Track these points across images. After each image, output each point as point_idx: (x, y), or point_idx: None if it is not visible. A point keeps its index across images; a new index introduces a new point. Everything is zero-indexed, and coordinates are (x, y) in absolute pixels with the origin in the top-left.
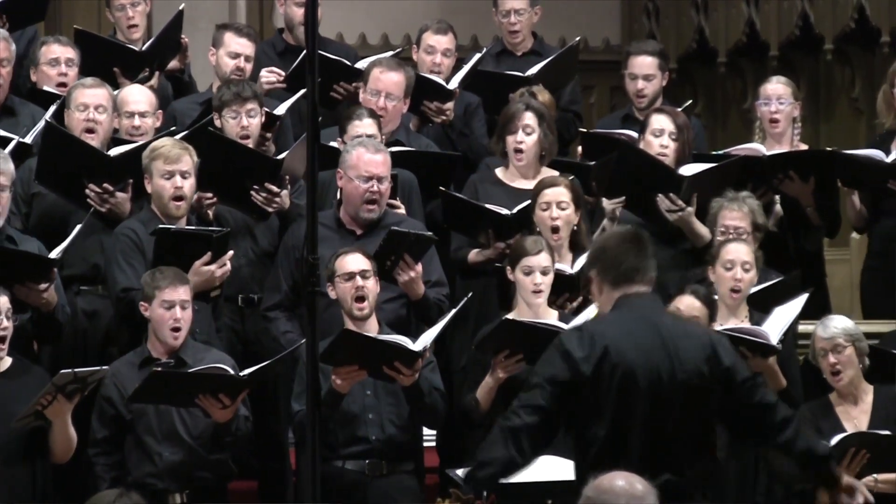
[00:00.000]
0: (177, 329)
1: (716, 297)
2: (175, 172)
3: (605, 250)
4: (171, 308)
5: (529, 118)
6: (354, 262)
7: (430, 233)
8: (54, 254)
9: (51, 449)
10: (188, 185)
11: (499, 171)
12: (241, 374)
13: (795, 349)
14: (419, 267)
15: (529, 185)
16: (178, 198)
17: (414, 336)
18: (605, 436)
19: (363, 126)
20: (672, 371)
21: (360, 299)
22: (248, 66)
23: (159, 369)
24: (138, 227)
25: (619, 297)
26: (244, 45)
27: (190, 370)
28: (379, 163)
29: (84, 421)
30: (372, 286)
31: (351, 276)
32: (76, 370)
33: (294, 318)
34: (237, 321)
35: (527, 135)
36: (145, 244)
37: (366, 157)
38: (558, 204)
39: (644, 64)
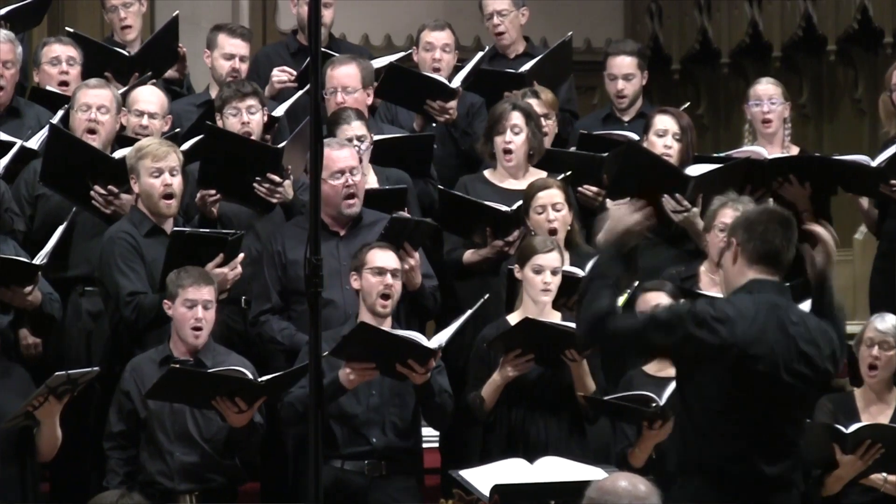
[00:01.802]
0: (198, 329)
1: (707, 293)
2: (164, 170)
3: (755, 223)
4: (193, 307)
5: (517, 118)
6: (386, 259)
7: (429, 219)
8: (39, 259)
9: (37, 448)
10: (176, 182)
11: (487, 173)
12: (259, 379)
13: None
14: (417, 256)
15: (519, 185)
16: (168, 195)
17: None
18: (717, 415)
19: (353, 129)
20: (790, 365)
21: (386, 297)
22: (244, 67)
23: (177, 366)
24: (131, 230)
25: (752, 279)
26: (238, 46)
27: (208, 370)
28: (346, 157)
29: (75, 420)
30: (399, 287)
31: (381, 272)
32: (70, 372)
33: (285, 317)
34: (239, 322)
35: (515, 135)
36: (142, 247)
37: (333, 154)
38: (553, 206)
39: (623, 64)
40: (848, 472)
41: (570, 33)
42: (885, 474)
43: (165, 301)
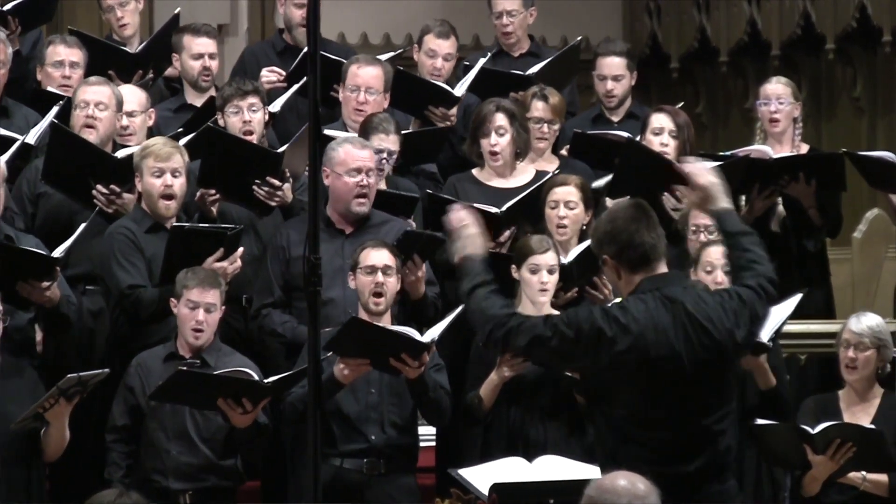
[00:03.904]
0: (198, 331)
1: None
2: (165, 170)
3: (618, 232)
4: (195, 309)
5: (501, 119)
6: (378, 256)
7: (440, 233)
8: (57, 252)
9: (44, 448)
10: (178, 184)
11: (475, 171)
12: (266, 381)
13: (781, 348)
14: (424, 267)
15: (507, 183)
16: (168, 196)
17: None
18: (628, 419)
19: (388, 141)
20: (695, 353)
21: (378, 294)
22: (214, 64)
23: (185, 369)
24: (132, 226)
25: (640, 279)
26: (206, 45)
27: (216, 373)
28: (366, 157)
29: (76, 418)
30: (392, 283)
31: (372, 271)
32: (81, 374)
33: (287, 311)
34: (240, 320)
35: (500, 136)
36: (142, 242)
37: (354, 152)
38: (566, 203)
39: (613, 64)
40: (821, 472)
41: (579, 38)
42: (864, 473)
43: (171, 299)
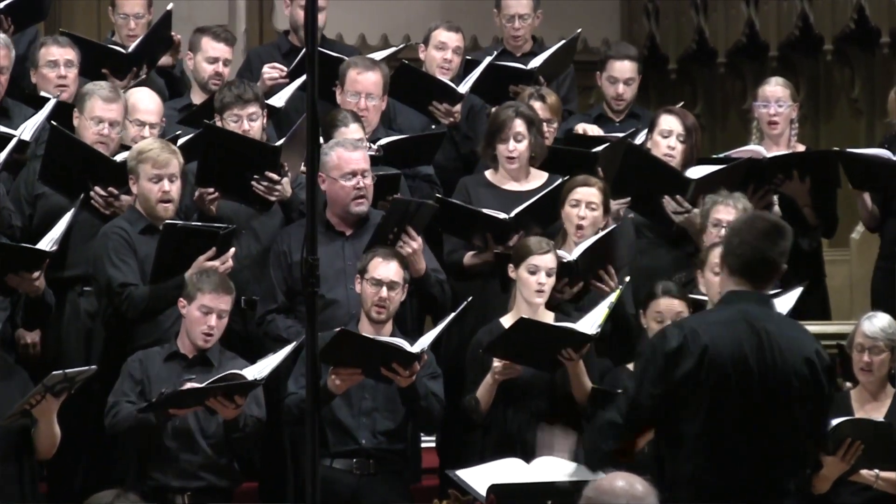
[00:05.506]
0: (209, 335)
1: (703, 297)
2: (163, 176)
3: (732, 236)
4: (209, 314)
5: (520, 125)
6: (387, 271)
7: (430, 201)
8: (46, 244)
9: (35, 446)
10: (175, 188)
11: (488, 174)
12: (259, 378)
13: None
14: (420, 240)
15: (520, 186)
16: (166, 200)
17: (410, 330)
18: (698, 435)
19: (350, 131)
20: (766, 375)
21: (382, 306)
22: (226, 71)
23: (189, 387)
24: (126, 226)
25: (729, 291)
26: (222, 50)
27: (211, 383)
28: (360, 159)
29: (73, 420)
30: (396, 297)
31: (378, 284)
32: (66, 371)
33: (291, 316)
34: (239, 322)
35: (518, 142)
36: (135, 242)
37: (346, 155)
38: (588, 204)
39: (625, 69)
40: (833, 471)
41: (578, 30)
42: (876, 471)
43: (181, 299)
